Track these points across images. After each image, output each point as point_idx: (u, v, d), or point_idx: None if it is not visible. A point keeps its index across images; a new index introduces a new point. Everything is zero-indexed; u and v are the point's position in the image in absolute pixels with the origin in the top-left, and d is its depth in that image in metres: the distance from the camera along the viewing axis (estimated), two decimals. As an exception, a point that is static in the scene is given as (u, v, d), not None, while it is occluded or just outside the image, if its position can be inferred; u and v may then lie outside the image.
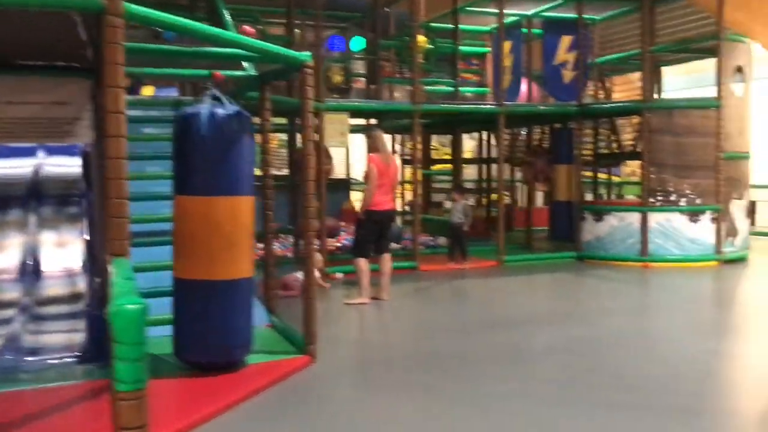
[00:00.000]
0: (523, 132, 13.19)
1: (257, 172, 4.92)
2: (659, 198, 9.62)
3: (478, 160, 14.02)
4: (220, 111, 4.35)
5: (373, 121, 11.56)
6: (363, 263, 6.98)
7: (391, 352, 5.39)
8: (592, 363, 4.93)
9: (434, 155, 15.49)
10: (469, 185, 13.46)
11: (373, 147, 7.12)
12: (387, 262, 7.23)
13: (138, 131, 6.39)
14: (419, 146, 10.14)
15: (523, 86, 12.00)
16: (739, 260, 9.93)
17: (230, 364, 4.48)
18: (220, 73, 6.24)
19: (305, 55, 4.88)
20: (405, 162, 11.82)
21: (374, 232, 7.00)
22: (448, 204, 14.44)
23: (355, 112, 9.93)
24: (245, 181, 4.48)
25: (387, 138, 9.44)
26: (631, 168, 17.76)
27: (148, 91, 10.11)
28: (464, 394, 4.23)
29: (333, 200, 11.68)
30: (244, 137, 4.42)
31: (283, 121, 10.08)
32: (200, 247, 4.33)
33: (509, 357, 5.10)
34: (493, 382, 4.48)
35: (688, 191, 9.58)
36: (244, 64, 6.30)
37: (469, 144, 15.77)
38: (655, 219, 9.64)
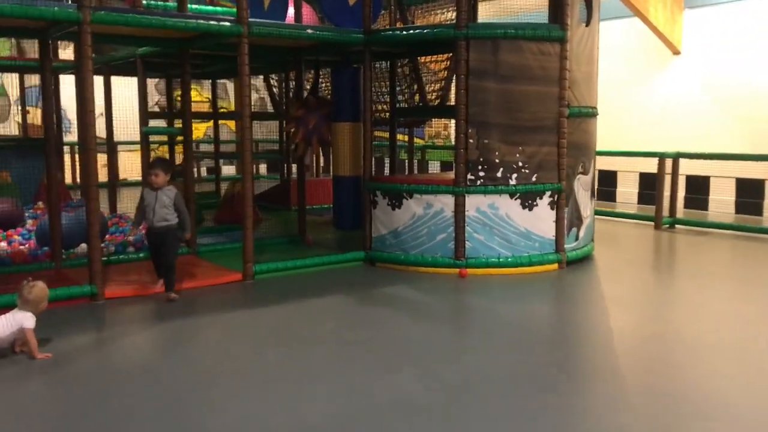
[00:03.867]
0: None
1: None
2: (481, 174, 6.53)
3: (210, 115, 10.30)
4: None
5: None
6: None
7: None
8: None
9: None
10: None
11: None
12: None
13: None
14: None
15: (291, 9, 8.40)
16: (584, 259, 7.20)
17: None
18: None
19: None
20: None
21: None
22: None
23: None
24: None
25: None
26: (437, 128, 14.94)
27: None
28: None
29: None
30: None
31: None
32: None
33: None
34: None
35: (520, 163, 6.58)
36: None
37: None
38: (475, 204, 6.55)
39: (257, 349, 4.50)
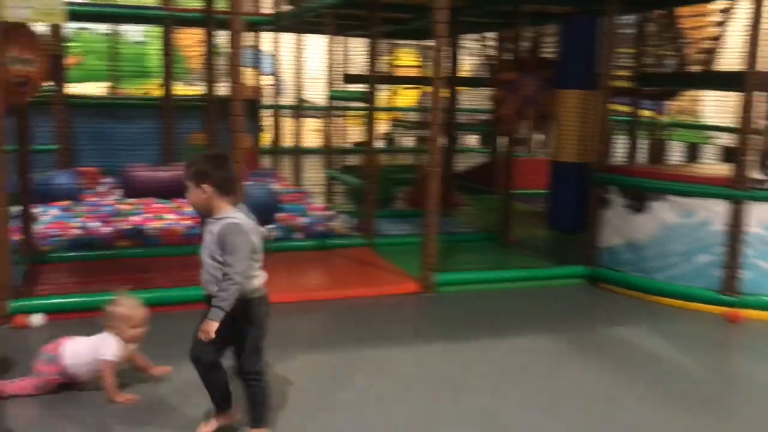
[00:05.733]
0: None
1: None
2: (777, 171, 4.40)
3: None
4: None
5: None
6: None
7: None
8: None
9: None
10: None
11: None
12: None
13: None
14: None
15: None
16: None
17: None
18: None
19: None
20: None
21: None
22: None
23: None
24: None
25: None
26: (684, 102, 12.23)
27: None
28: None
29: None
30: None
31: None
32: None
33: None
34: None
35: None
36: None
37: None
38: (763, 217, 4.44)
39: (416, 412, 3.00)
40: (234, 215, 2.57)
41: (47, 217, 6.21)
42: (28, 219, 4.94)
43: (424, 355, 3.81)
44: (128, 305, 3.10)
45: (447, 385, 3.40)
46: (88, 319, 3.90)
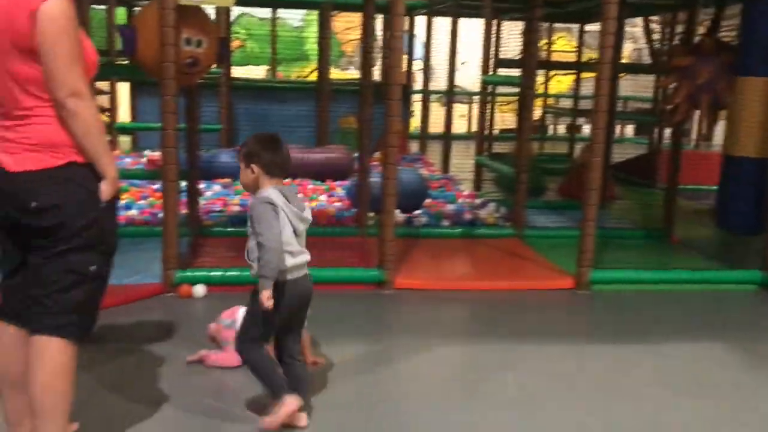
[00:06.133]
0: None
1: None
2: None
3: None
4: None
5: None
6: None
7: None
8: None
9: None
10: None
11: None
12: None
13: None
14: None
15: None
16: None
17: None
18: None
19: None
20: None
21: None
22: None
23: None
24: None
25: None
26: None
27: None
28: None
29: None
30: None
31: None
32: None
33: None
34: None
35: None
36: None
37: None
38: None
39: (570, 414, 2.82)
40: (268, 192, 2.55)
41: (210, 193, 6.56)
42: (193, 194, 5.21)
43: (579, 355, 3.60)
44: None
45: (606, 390, 3.19)
46: (243, 293, 4.08)
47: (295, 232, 2.59)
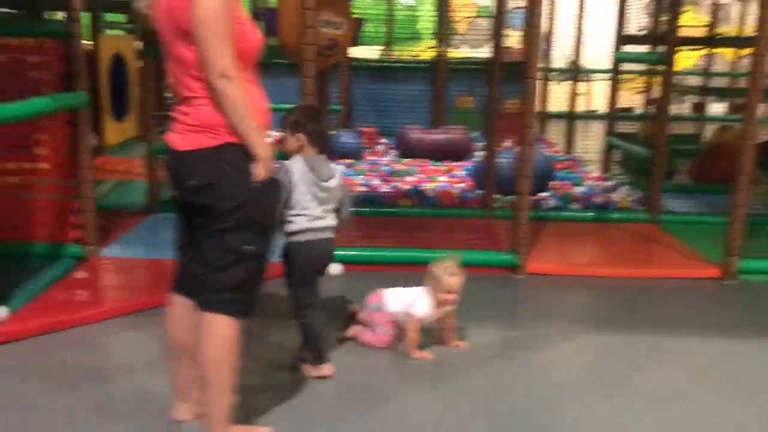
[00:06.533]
0: None
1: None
2: None
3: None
4: None
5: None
6: None
7: None
8: None
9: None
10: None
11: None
12: None
13: None
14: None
15: None
16: None
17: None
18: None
19: None
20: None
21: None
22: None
23: None
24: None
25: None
26: None
27: None
28: None
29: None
30: None
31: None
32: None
33: None
34: None
35: None
36: None
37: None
38: None
39: (724, 412, 2.66)
40: (293, 160, 2.76)
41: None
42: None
43: (731, 349, 3.39)
44: (445, 269, 3.09)
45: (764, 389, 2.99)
46: (371, 272, 4.12)
47: (316, 198, 2.76)
